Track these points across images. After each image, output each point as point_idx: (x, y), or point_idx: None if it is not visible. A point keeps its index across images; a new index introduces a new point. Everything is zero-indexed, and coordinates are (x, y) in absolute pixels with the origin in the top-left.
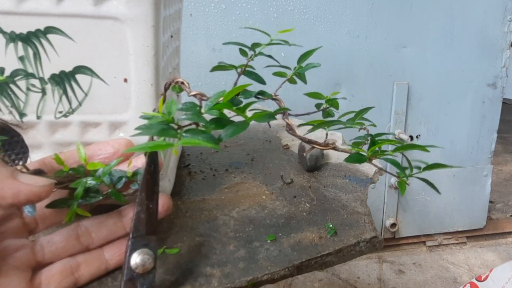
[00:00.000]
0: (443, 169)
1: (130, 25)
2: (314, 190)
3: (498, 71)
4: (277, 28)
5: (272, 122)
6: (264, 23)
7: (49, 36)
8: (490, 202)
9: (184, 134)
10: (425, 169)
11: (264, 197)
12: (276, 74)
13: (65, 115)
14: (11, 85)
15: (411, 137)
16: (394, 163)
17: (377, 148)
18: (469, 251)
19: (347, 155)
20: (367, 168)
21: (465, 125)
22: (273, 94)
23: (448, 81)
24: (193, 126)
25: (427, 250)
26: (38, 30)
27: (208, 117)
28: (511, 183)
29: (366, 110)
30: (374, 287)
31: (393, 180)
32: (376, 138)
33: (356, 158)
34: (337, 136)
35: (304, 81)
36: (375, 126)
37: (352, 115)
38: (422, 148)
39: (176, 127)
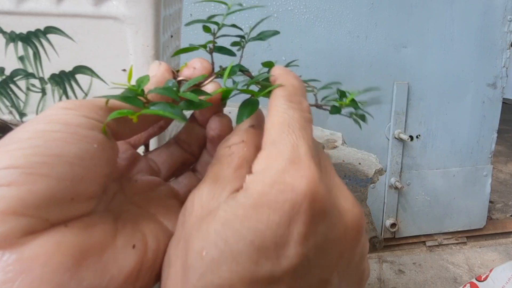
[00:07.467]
0: (442, 169)
1: (130, 25)
2: None
3: (498, 71)
4: (277, 28)
5: None
6: (264, 22)
7: (49, 36)
8: (490, 202)
9: (152, 107)
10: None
11: None
12: (234, 44)
13: None
14: (11, 85)
15: (411, 137)
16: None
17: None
18: (469, 251)
19: (345, 152)
20: (367, 168)
21: (465, 125)
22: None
23: (448, 81)
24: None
25: (427, 250)
26: (38, 30)
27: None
28: (511, 183)
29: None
30: (374, 287)
31: (393, 180)
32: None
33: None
34: (337, 136)
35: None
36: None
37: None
38: None
39: (144, 100)
